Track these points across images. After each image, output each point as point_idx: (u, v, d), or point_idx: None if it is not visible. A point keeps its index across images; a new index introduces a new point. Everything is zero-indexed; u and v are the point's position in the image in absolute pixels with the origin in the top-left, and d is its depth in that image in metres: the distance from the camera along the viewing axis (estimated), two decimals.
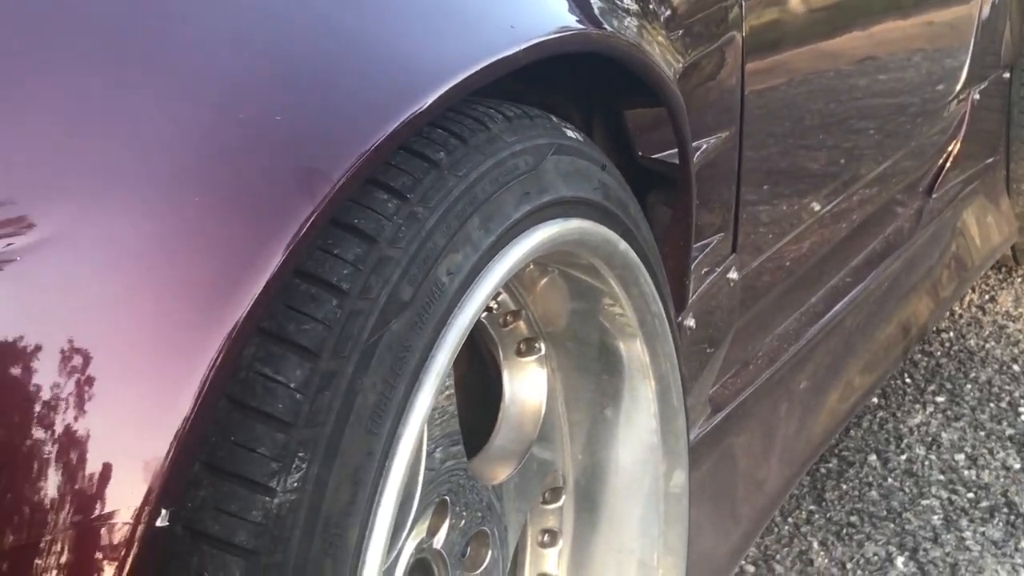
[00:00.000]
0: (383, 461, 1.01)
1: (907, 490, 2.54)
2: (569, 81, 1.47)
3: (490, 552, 1.37)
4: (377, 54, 1.07)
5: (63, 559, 0.85)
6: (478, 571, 1.36)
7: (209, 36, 1.00)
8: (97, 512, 0.86)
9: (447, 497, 1.29)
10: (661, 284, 1.44)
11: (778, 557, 2.32)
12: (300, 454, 0.96)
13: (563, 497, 1.53)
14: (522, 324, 1.44)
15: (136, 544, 0.87)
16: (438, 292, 1.07)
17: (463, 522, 1.32)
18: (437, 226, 1.08)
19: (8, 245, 0.84)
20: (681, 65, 1.58)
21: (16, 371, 0.84)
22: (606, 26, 1.36)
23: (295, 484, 0.96)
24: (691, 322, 1.68)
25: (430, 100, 1.05)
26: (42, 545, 0.84)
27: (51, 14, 0.95)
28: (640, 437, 1.50)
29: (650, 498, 1.52)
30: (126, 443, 0.87)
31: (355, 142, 1.00)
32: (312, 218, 0.97)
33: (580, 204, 1.27)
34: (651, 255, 1.42)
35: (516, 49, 1.15)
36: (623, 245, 1.33)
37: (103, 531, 0.86)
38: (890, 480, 2.57)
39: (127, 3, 0.98)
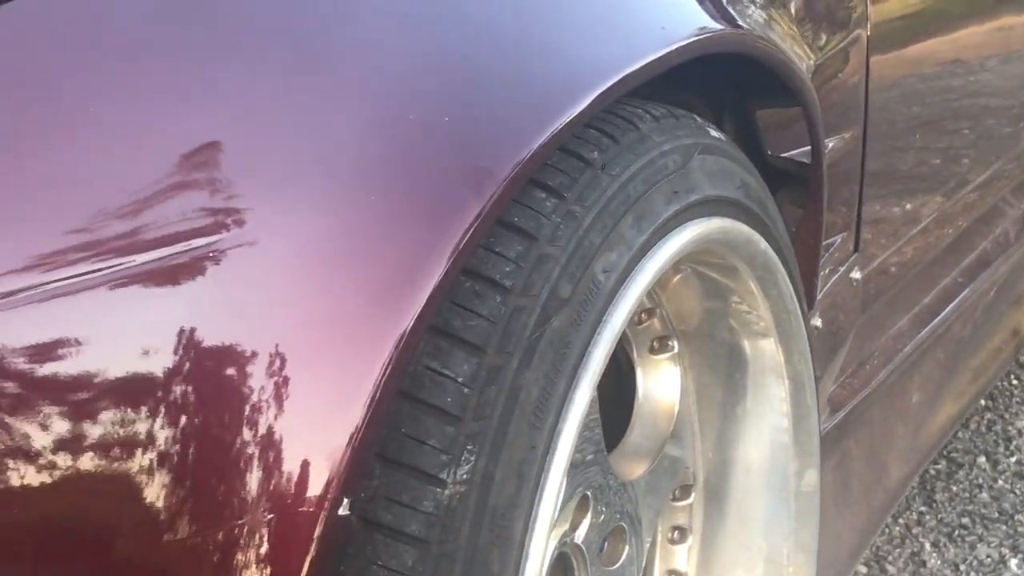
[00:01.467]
0: (544, 456, 1.03)
1: (1018, 492, 2.51)
2: (696, 80, 1.48)
3: (627, 548, 1.39)
4: (538, 56, 1.09)
5: (255, 544, 0.88)
6: (615, 567, 1.38)
7: (380, 39, 1.02)
8: (286, 501, 0.89)
9: (588, 492, 1.30)
10: (796, 283, 1.44)
11: (890, 558, 2.31)
12: (469, 447, 0.99)
13: (693, 494, 1.54)
14: (656, 322, 1.45)
15: (320, 532, 0.90)
16: (595, 290, 1.09)
17: (602, 517, 1.34)
18: (593, 224, 1.10)
19: (209, 245, 0.87)
20: (813, 63, 1.58)
21: (216, 367, 0.87)
22: (745, 25, 1.37)
23: (464, 476, 0.98)
24: (817, 322, 1.68)
25: (589, 100, 1.07)
26: (237, 530, 0.87)
27: (232, 19, 0.98)
28: (771, 436, 1.51)
29: (781, 496, 1.52)
30: (311, 435, 0.90)
31: (520, 142, 1.02)
32: (480, 216, 0.99)
33: (724, 203, 1.28)
34: (788, 254, 1.42)
35: (668, 50, 1.16)
36: (764, 244, 1.34)
37: (291, 519, 0.89)
38: (1000, 482, 2.55)
39: (302, 8, 1.01)
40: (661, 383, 1.47)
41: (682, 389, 1.48)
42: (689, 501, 1.54)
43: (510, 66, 1.07)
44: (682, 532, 1.54)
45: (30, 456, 0.81)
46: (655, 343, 1.46)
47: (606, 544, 1.36)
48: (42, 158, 0.86)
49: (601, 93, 1.08)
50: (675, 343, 1.46)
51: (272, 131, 0.95)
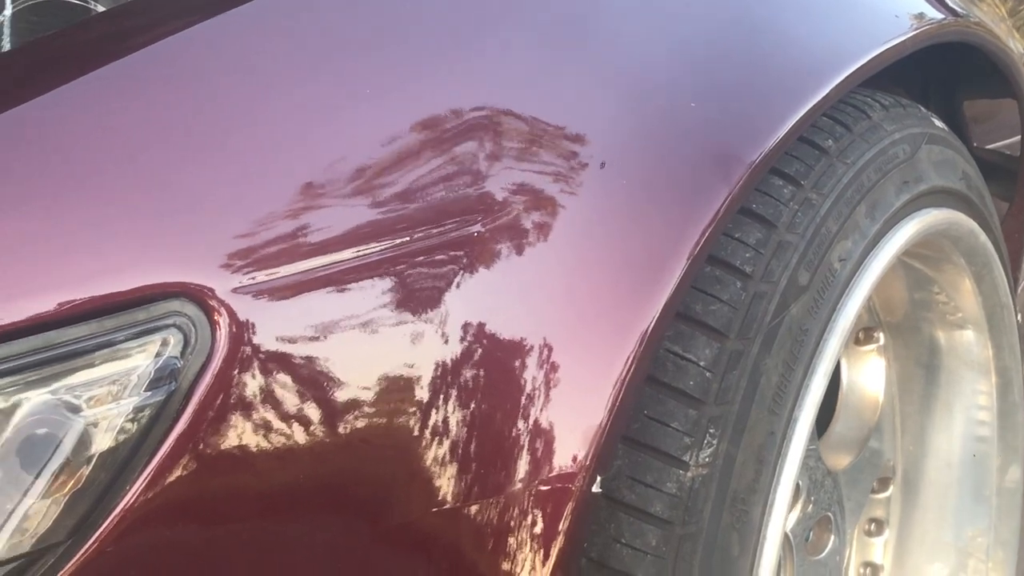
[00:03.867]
0: (782, 442, 1.04)
1: None
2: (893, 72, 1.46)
3: (832, 538, 1.38)
4: (781, 44, 1.09)
5: (517, 515, 0.90)
6: (820, 556, 1.38)
7: (630, 28, 1.03)
8: (546, 476, 0.90)
9: (799, 481, 1.30)
10: (1009, 277, 1.42)
11: None
12: (711, 430, 0.99)
13: (891, 487, 1.53)
14: (864, 312, 1.44)
15: (574, 507, 0.92)
16: (831, 278, 1.09)
17: (811, 507, 1.34)
18: (829, 212, 1.09)
19: (470, 229, 0.90)
20: (1020, 53, 1.55)
21: (482, 348, 0.89)
22: (965, 14, 1.35)
23: (707, 459, 0.99)
24: (1018, 317, 1.65)
25: (832, 86, 1.07)
26: (502, 502, 0.89)
27: (491, 5, 1.00)
28: (974, 431, 1.49)
29: (981, 491, 1.50)
30: (569, 416, 0.92)
31: (767, 128, 1.02)
32: (727, 202, 0.99)
33: (947, 194, 1.27)
34: (1002, 247, 1.40)
35: (903, 38, 1.16)
36: (983, 237, 1.33)
37: (550, 494, 0.91)
38: None
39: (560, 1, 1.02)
40: (866, 374, 1.46)
41: (886, 381, 1.47)
42: (887, 494, 1.53)
43: (755, 53, 1.07)
44: (879, 525, 1.53)
45: (314, 423, 0.84)
46: (861, 334, 1.45)
47: (811, 534, 1.36)
48: (315, 142, 0.89)
49: (843, 80, 1.08)
50: (881, 335, 1.45)
51: (528, 117, 0.97)
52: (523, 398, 0.91)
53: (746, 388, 1.01)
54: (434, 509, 0.88)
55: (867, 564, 1.53)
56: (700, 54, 1.05)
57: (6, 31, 1.27)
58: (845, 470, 1.43)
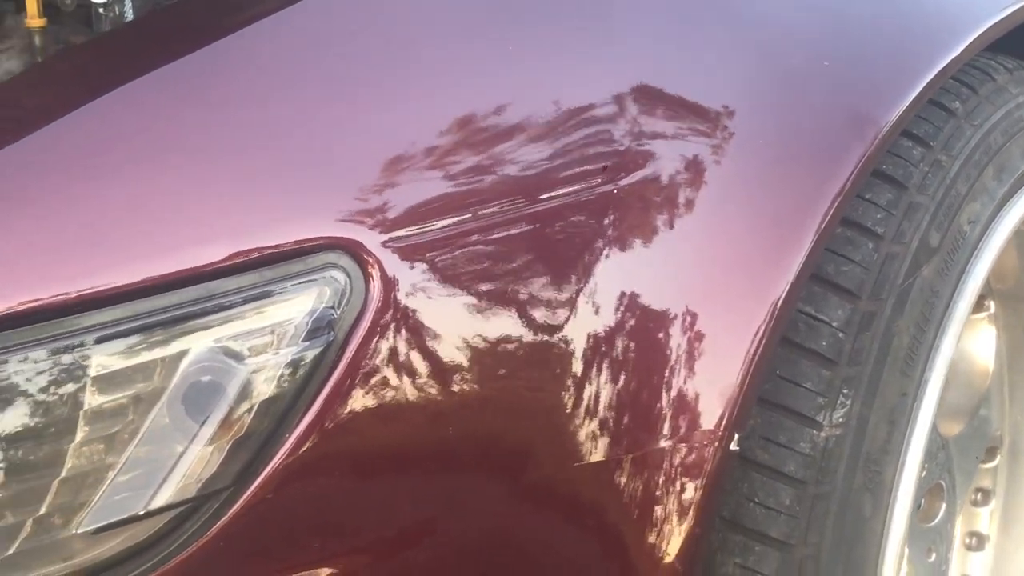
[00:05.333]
0: (913, 403, 1.03)
1: None
2: None
3: (943, 506, 1.38)
4: (913, 3, 1.08)
5: (660, 471, 0.90)
6: (931, 524, 1.37)
7: None
8: (688, 434, 0.91)
9: None
10: None
11: None
12: (844, 391, 0.99)
13: (998, 457, 1.52)
14: None
15: (713, 465, 0.92)
16: (960, 240, 1.08)
17: (924, 473, 1.33)
18: (959, 174, 1.09)
19: (611, 187, 0.90)
20: None
21: (632, 309, 0.90)
22: None
23: (840, 419, 0.99)
24: None
25: (963, 47, 1.06)
26: (646, 457, 0.90)
27: None
28: None
29: None
30: (708, 375, 0.92)
31: (901, 87, 1.02)
32: (862, 162, 0.99)
33: None
34: None
35: None
36: None
37: (691, 451, 0.91)
38: None
39: None
40: (977, 342, 1.45)
41: (996, 349, 1.46)
42: (995, 463, 1.51)
43: (888, 10, 1.06)
44: (986, 494, 1.52)
45: (460, 377, 0.84)
46: None
47: (923, 501, 1.36)
48: (461, 101, 0.89)
49: (975, 39, 1.07)
50: (991, 303, 1.44)
51: (665, 79, 0.96)
52: (663, 357, 0.91)
53: (878, 349, 1.01)
54: (576, 464, 0.89)
55: (973, 534, 1.52)
56: (833, 13, 1.05)
57: (130, 16, 1.29)
58: (955, 438, 1.42)
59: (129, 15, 1.30)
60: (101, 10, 1.32)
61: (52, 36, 1.49)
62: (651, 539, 0.90)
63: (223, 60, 0.83)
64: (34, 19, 1.47)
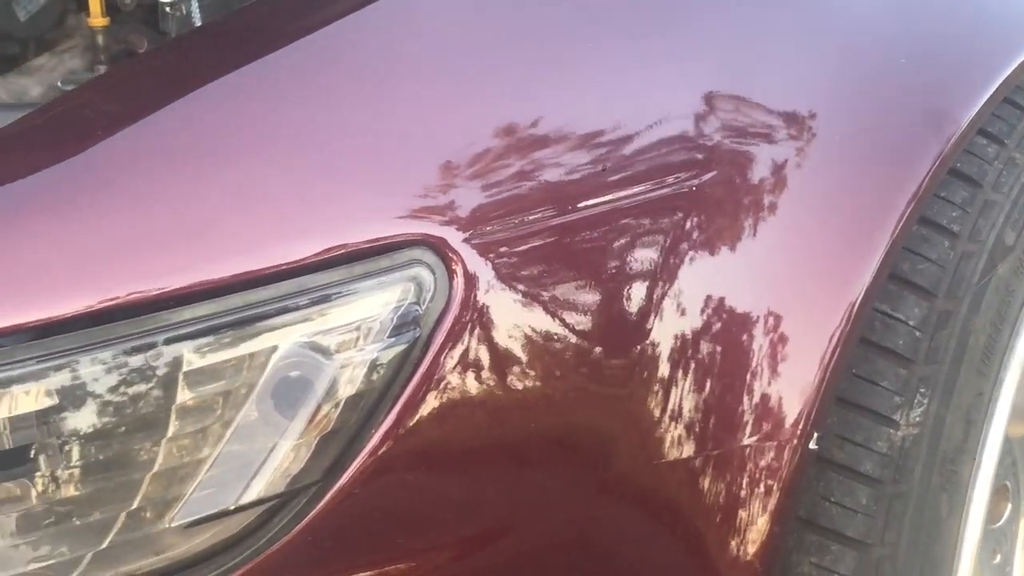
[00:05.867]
0: (989, 403, 1.03)
1: None
2: None
3: (1009, 507, 1.36)
4: (990, 1, 1.08)
5: (740, 468, 0.90)
6: (997, 525, 1.36)
7: None
8: (769, 432, 0.90)
9: None
10: None
11: None
12: (921, 390, 0.98)
13: None
14: None
15: (790, 464, 0.91)
16: None
17: None
18: None
19: (692, 184, 0.90)
20: None
21: (712, 306, 0.90)
22: None
23: (917, 419, 0.98)
24: None
25: None
26: (727, 455, 0.89)
27: None
28: None
29: None
30: (787, 373, 0.91)
31: (978, 84, 1.01)
32: (939, 160, 0.98)
33: None
34: None
35: None
36: None
37: (772, 449, 0.91)
38: None
39: None
40: None
41: None
42: None
43: (964, 8, 1.06)
44: None
45: (541, 372, 0.85)
46: None
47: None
48: (544, 100, 0.89)
49: None
50: None
51: (745, 77, 0.96)
52: (742, 355, 0.90)
53: (955, 348, 1.00)
54: (656, 462, 0.88)
55: None
56: (911, 10, 1.04)
57: (196, 15, 1.30)
58: (1021, 439, 1.40)
59: (196, 14, 1.32)
60: (168, 9, 1.33)
61: (112, 35, 1.51)
62: (730, 537, 0.90)
63: (314, 59, 0.83)
64: (97, 18, 1.48)
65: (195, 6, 1.28)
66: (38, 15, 1.42)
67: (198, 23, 1.28)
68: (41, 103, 1.41)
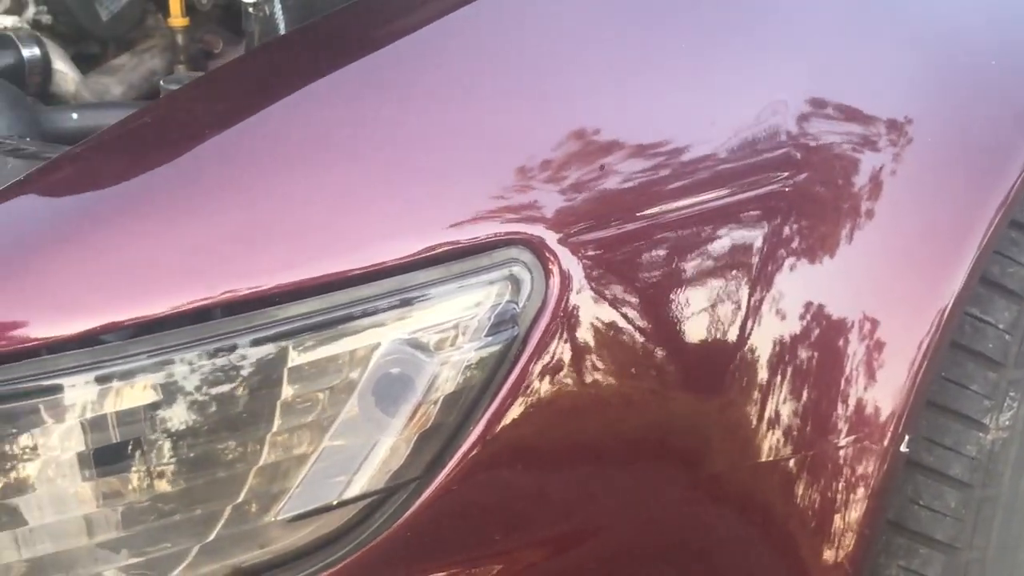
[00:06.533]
0: None
1: None
2: None
3: None
4: None
5: (832, 470, 0.90)
6: None
7: None
8: (862, 433, 0.90)
9: None
10: None
11: None
12: (1011, 393, 0.98)
13: None
14: None
15: (881, 467, 0.91)
16: None
17: None
18: None
19: (783, 186, 0.90)
20: None
21: (804, 307, 0.90)
22: None
23: (1007, 422, 0.98)
24: None
25: None
26: (822, 456, 0.89)
27: None
28: None
29: None
30: (879, 376, 0.91)
31: None
32: None
33: None
34: None
35: None
36: None
37: (864, 451, 0.90)
38: None
39: None
40: None
41: None
42: None
43: None
44: None
45: (635, 372, 0.85)
46: None
47: None
48: (632, 104, 0.90)
49: None
50: None
51: (835, 79, 0.96)
52: (836, 358, 0.90)
53: None
54: (750, 463, 0.88)
55: None
56: (999, 12, 1.04)
57: (280, 16, 1.31)
58: None
59: (279, 14, 1.33)
60: (251, 9, 1.35)
61: (189, 35, 1.53)
62: (822, 539, 0.90)
63: (414, 61, 0.84)
64: (177, 19, 1.50)
65: (278, 6, 1.29)
66: (120, 15, 1.44)
67: (281, 23, 1.29)
68: (122, 102, 1.43)
